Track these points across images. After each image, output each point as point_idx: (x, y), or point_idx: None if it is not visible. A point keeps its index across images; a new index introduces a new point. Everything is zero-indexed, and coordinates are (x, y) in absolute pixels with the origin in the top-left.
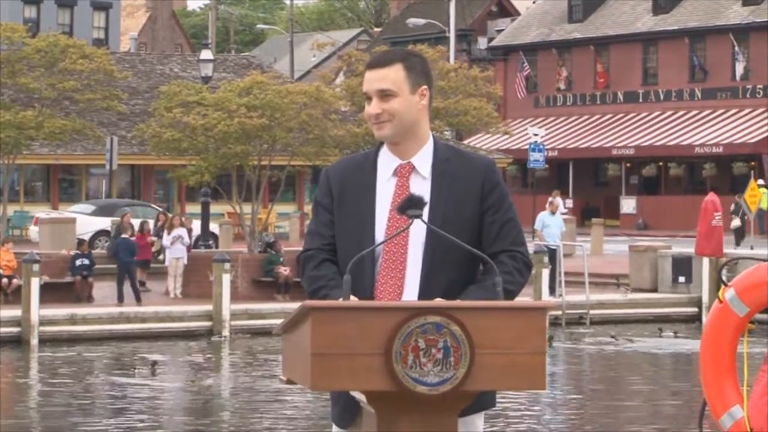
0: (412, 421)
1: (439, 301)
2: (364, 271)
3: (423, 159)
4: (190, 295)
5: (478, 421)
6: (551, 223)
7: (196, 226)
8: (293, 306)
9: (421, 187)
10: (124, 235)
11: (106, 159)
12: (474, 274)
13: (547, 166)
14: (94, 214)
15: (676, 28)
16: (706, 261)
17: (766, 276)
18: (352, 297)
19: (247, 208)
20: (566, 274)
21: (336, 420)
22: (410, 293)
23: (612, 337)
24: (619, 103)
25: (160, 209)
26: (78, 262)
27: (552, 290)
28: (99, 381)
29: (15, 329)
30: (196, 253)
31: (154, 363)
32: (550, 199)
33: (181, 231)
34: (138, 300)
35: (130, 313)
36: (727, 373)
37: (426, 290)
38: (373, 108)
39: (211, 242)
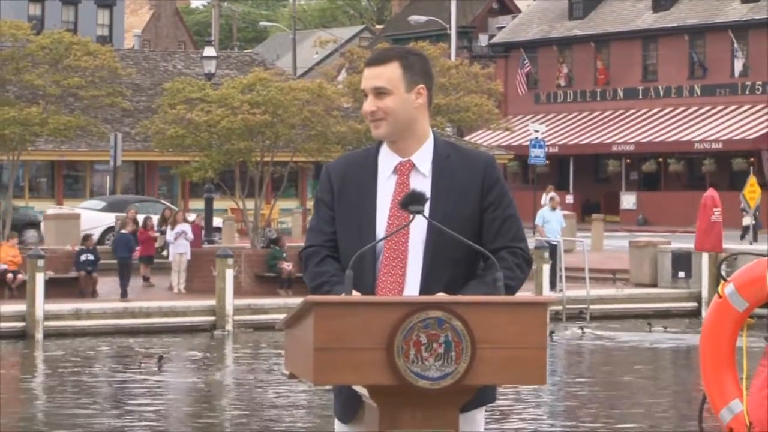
0: (414, 415)
1: (440, 296)
2: (366, 267)
3: (423, 156)
4: (193, 290)
5: (479, 414)
6: (552, 218)
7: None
8: (296, 301)
9: (422, 184)
10: (123, 231)
11: (110, 155)
12: (474, 270)
13: (547, 162)
14: (104, 210)
15: (675, 25)
16: (705, 256)
17: (765, 271)
18: (354, 292)
19: (250, 204)
20: (567, 269)
21: (338, 414)
22: (411, 289)
23: (580, 328)
24: (619, 100)
25: (169, 205)
26: (83, 258)
27: (553, 285)
28: (103, 375)
29: (20, 324)
30: (199, 248)
31: (161, 357)
32: (546, 195)
33: (185, 227)
34: (123, 295)
35: (135, 308)
36: (727, 367)
37: (427, 286)
38: (367, 105)
39: (217, 237)
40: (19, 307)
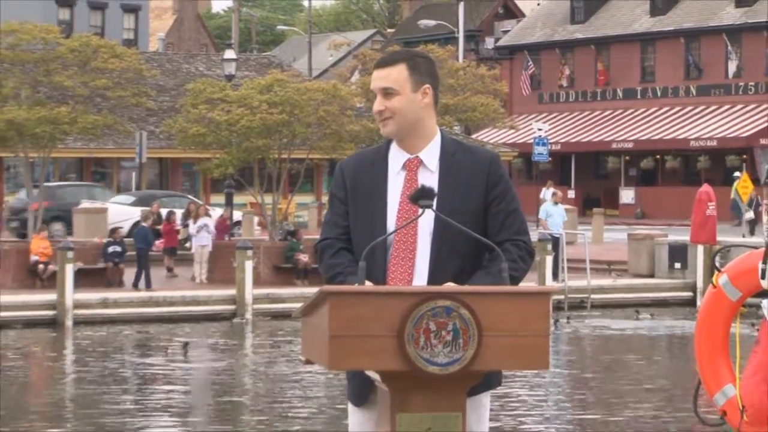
0: (424, 399)
1: (449, 286)
2: (377, 259)
3: (430, 153)
4: (214, 280)
5: (485, 399)
6: (554, 212)
7: (215, 215)
8: (312, 291)
9: (429, 179)
10: (143, 224)
11: (135, 152)
12: (480, 261)
13: (550, 159)
14: (133, 204)
15: (672, 28)
16: (700, 248)
17: (758, 262)
18: (366, 282)
19: (268, 199)
20: (568, 260)
21: (352, 398)
22: (420, 279)
23: (567, 319)
24: (618, 100)
25: (194, 200)
26: (110, 249)
27: (555, 276)
28: (130, 361)
29: (51, 312)
30: (220, 240)
31: (186, 344)
32: (547, 189)
33: (206, 220)
34: (134, 285)
35: (159, 297)
36: (721, 354)
37: (435, 276)
38: (376, 105)
39: (237, 230)
40: (50, 296)
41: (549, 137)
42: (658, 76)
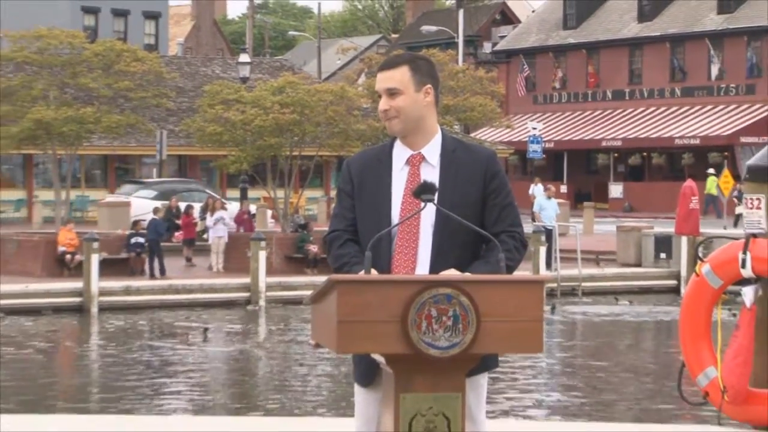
0: (425, 380)
1: (449, 275)
2: (382, 249)
3: (432, 150)
4: (230, 269)
5: (483, 380)
6: (548, 206)
7: (232, 209)
8: (321, 279)
9: (431, 174)
10: (154, 217)
11: (156, 150)
12: (478, 251)
13: (544, 156)
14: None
15: (658, 34)
16: (684, 239)
17: (738, 253)
18: (372, 271)
19: (280, 193)
20: (561, 251)
21: (358, 379)
22: (422, 268)
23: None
24: (607, 101)
25: (213, 194)
26: (132, 241)
27: (548, 265)
28: (152, 345)
29: (77, 299)
30: (235, 232)
31: (206, 329)
32: (534, 186)
33: (223, 213)
34: (151, 275)
35: (178, 285)
36: (703, 338)
37: (436, 265)
38: (382, 104)
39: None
40: (77, 284)
41: (543, 136)
42: (645, 79)
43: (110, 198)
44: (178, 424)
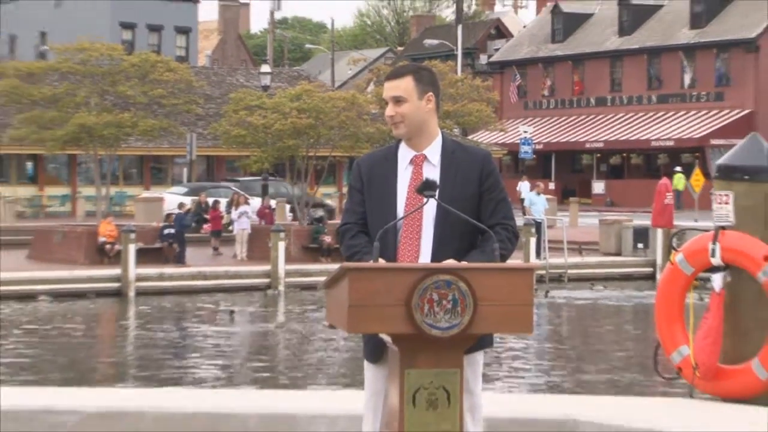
0: (428, 357)
1: (449, 263)
2: (389, 240)
3: (433, 151)
4: (253, 258)
5: (479, 357)
6: (537, 201)
7: (255, 203)
8: (334, 267)
9: (432, 173)
10: (179, 211)
11: (186, 151)
12: (475, 241)
13: (534, 156)
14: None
15: (637, 47)
16: (660, 231)
17: (708, 243)
18: (380, 260)
19: (297, 190)
20: (549, 241)
21: (367, 356)
22: (425, 257)
23: (545, 292)
24: (591, 107)
25: (238, 191)
26: (165, 232)
27: (538, 254)
28: (184, 325)
29: (116, 284)
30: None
31: (232, 312)
32: (524, 183)
33: (246, 207)
34: (178, 261)
35: (207, 271)
36: (677, 320)
37: (437, 255)
38: (388, 111)
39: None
40: (115, 271)
41: (533, 138)
42: (624, 87)
43: (146, 194)
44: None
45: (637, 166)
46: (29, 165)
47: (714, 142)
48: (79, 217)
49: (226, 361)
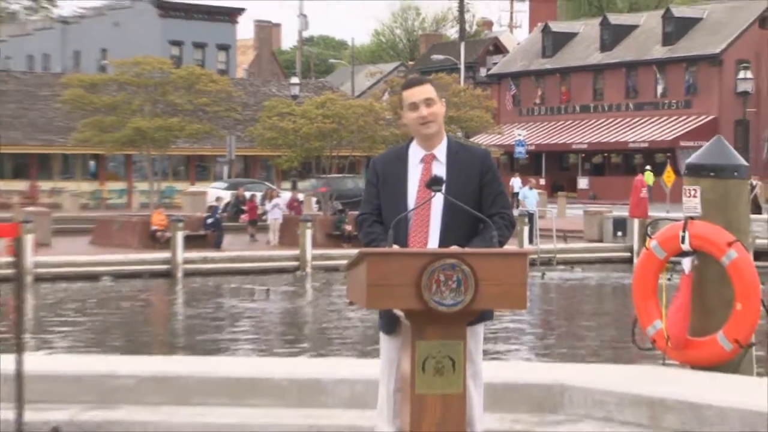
0: (435, 330)
1: (454, 249)
2: (401, 228)
3: (441, 151)
4: (284, 243)
5: (480, 329)
6: (530, 195)
7: (285, 196)
8: (354, 252)
9: (440, 170)
10: (216, 204)
11: (226, 151)
12: (476, 229)
13: (527, 156)
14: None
15: (616, 61)
16: (636, 221)
17: (679, 231)
18: (394, 246)
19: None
20: (540, 230)
21: (383, 329)
22: (432, 243)
23: (542, 274)
24: (576, 113)
25: (271, 186)
26: (208, 221)
27: (530, 241)
28: (225, 302)
29: (166, 266)
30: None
31: (268, 290)
32: (516, 179)
33: (278, 200)
34: (216, 246)
35: (245, 255)
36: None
37: (444, 241)
38: (422, 111)
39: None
40: (165, 255)
41: (526, 140)
42: (605, 96)
43: (192, 188)
44: (245, 363)
45: (617, 165)
46: (92, 163)
47: (683, 144)
48: (134, 208)
49: (261, 332)
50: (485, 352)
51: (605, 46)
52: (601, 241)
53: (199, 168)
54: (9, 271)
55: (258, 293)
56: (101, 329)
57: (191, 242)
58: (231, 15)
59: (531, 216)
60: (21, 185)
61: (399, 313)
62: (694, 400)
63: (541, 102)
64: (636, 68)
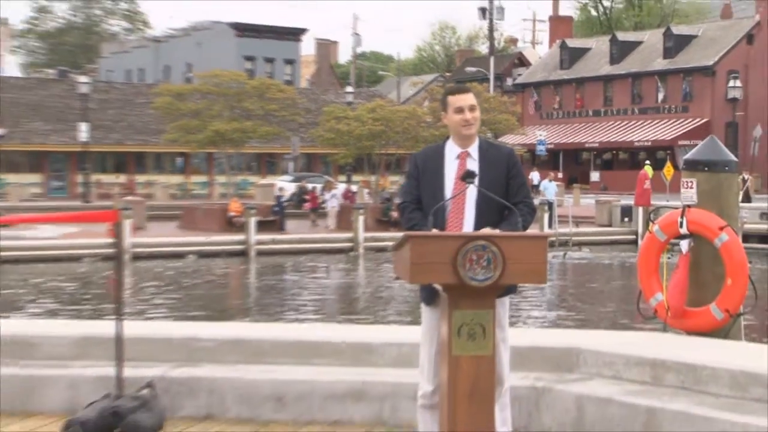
0: (469, 301)
1: (485, 231)
2: (439, 215)
3: (473, 149)
4: (340, 228)
5: (507, 300)
6: (549, 187)
7: (341, 188)
8: (399, 235)
9: (473, 165)
10: (279, 194)
11: (292, 150)
12: (503, 215)
13: (547, 153)
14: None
15: (623, 72)
16: (640, 209)
17: (677, 217)
18: (433, 230)
19: (372, 178)
20: (558, 216)
21: (424, 300)
22: (468, 228)
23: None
24: (589, 117)
25: (329, 179)
26: (275, 208)
27: (550, 225)
28: (290, 277)
29: (241, 246)
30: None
31: (327, 267)
32: (534, 173)
33: (335, 191)
34: (281, 229)
35: (307, 237)
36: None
37: (477, 226)
38: (467, 115)
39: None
40: (241, 236)
41: (546, 140)
42: (614, 102)
43: (263, 181)
44: (308, 328)
45: (624, 161)
46: (179, 160)
47: (681, 142)
48: (214, 197)
49: (322, 303)
50: (510, 320)
51: (614, 60)
52: (610, 225)
53: (269, 164)
54: (111, 251)
55: (319, 269)
56: (188, 299)
57: (262, 226)
58: (296, 34)
59: (551, 204)
60: (121, 178)
61: (438, 287)
62: (690, 361)
63: (559, 107)
64: (640, 78)
